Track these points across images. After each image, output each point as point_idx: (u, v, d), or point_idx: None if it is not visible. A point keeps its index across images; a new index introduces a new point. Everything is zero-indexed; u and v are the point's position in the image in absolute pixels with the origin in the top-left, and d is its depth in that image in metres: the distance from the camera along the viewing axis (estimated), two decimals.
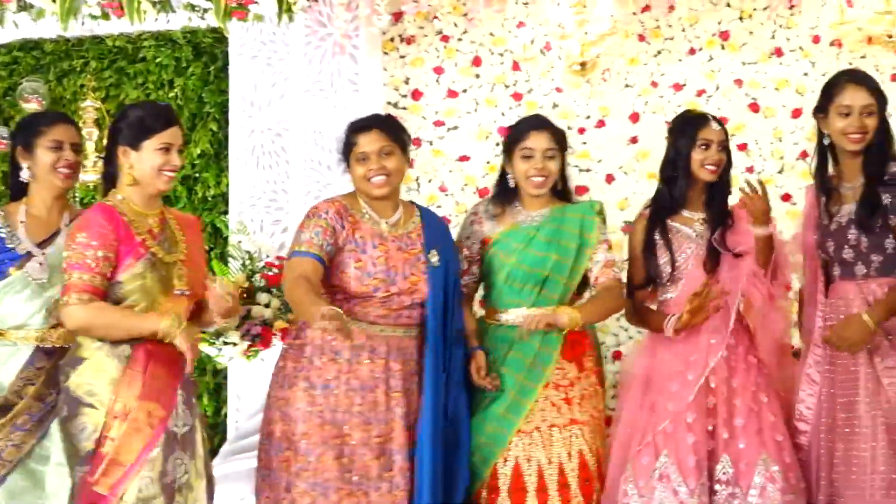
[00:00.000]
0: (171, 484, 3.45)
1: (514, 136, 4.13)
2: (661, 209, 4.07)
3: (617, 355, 5.64)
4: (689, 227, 4.03)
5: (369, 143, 3.84)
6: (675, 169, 4.04)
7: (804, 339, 4.04)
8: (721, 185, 4.06)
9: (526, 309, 4.02)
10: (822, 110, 3.92)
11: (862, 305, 3.79)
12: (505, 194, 4.15)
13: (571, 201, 4.19)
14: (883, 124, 3.85)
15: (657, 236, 4.03)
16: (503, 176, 4.16)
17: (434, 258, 3.84)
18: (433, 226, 3.96)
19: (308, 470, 3.69)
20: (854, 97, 3.82)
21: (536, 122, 4.18)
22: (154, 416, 3.45)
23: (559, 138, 4.13)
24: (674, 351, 3.97)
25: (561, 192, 4.19)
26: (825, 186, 3.96)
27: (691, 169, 4.00)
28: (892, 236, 3.79)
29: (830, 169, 4.00)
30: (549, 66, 5.90)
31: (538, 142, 4.06)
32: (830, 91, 3.90)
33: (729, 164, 4.07)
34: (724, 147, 4.03)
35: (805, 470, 3.86)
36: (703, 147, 3.98)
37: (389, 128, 3.91)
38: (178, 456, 3.49)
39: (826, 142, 3.92)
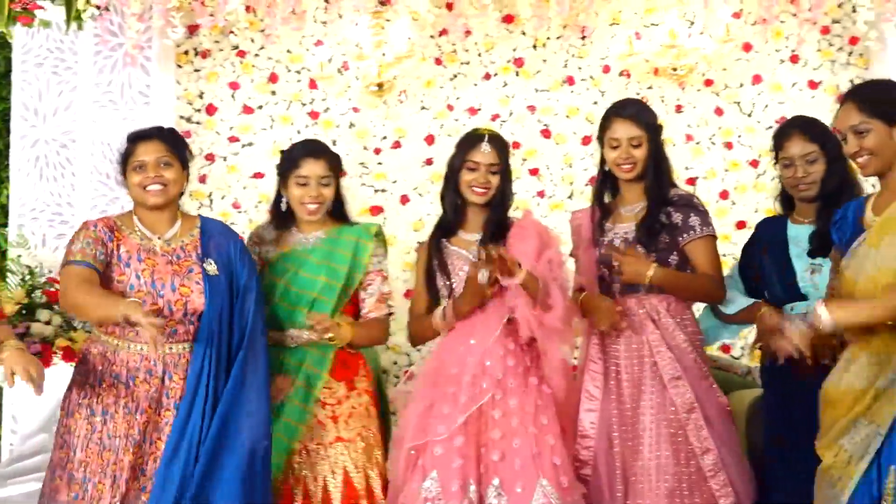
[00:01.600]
0: None
1: (288, 163, 4.08)
2: (440, 230, 4.09)
3: (409, 375, 5.64)
4: (467, 249, 4.05)
5: (147, 152, 3.74)
6: (447, 189, 4.07)
7: (581, 355, 4.12)
8: (498, 209, 4.08)
9: (296, 330, 3.99)
10: (600, 140, 4.07)
11: (645, 319, 3.91)
12: (281, 217, 4.10)
13: (349, 222, 4.16)
14: (656, 153, 3.99)
15: (434, 261, 4.05)
16: (278, 199, 4.13)
17: (211, 267, 3.69)
18: (214, 236, 3.79)
19: (84, 499, 3.55)
20: (621, 130, 3.96)
21: (312, 150, 4.12)
22: None
23: (334, 164, 4.09)
24: (448, 375, 3.97)
25: (339, 213, 4.17)
26: (603, 207, 4.09)
27: (461, 190, 4.04)
28: (676, 253, 3.94)
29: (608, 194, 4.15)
30: (346, 86, 5.89)
31: (313, 169, 4.02)
32: (604, 124, 4.05)
33: (504, 188, 4.08)
34: (496, 171, 4.04)
35: (594, 484, 3.93)
36: (471, 169, 4.01)
37: (170, 139, 3.82)
38: None
39: (607, 168, 4.05)
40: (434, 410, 3.90)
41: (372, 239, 4.07)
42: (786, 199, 4.13)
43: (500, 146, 4.05)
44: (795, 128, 4.02)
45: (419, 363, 5.61)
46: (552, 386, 3.94)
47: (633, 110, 4.03)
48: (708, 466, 3.80)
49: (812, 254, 3.90)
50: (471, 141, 4.05)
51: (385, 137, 5.94)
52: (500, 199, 4.04)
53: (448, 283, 4.01)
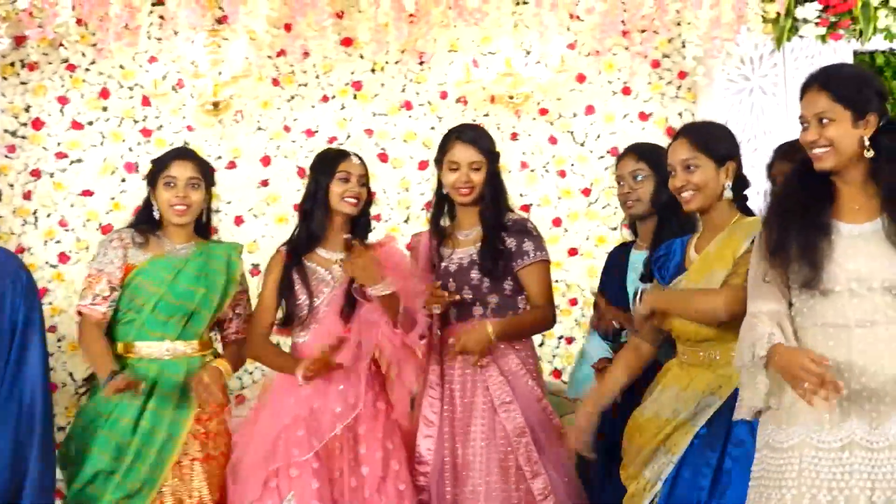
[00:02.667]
0: None
1: (158, 165, 4.04)
2: (300, 246, 4.06)
3: (240, 399, 5.56)
4: (327, 268, 4.02)
5: None
6: (314, 203, 4.04)
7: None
8: (362, 225, 4.10)
9: (170, 342, 3.92)
10: (438, 163, 4.08)
11: None
12: (148, 224, 4.03)
13: (208, 238, 4.15)
14: (493, 179, 4.04)
15: (295, 276, 4.01)
16: (147, 205, 4.04)
17: None
18: None
19: None
20: (461, 154, 3.99)
21: (180, 152, 4.16)
22: None
23: (203, 169, 4.07)
24: (299, 396, 3.94)
25: (203, 231, 4.13)
26: (440, 232, 4.11)
27: (330, 202, 4.01)
28: (511, 279, 3.97)
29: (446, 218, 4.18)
30: (180, 104, 5.78)
31: (181, 171, 3.98)
32: (444, 146, 4.07)
33: (370, 201, 4.12)
34: (364, 183, 4.07)
35: None
36: (343, 180, 4.01)
37: None
38: None
39: (444, 191, 4.07)
40: (288, 434, 3.85)
41: (240, 257, 4.09)
42: (633, 225, 4.19)
43: (363, 162, 4.11)
44: (629, 150, 4.13)
45: (252, 387, 5.55)
46: (398, 411, 3.96)
47: (474, 135, 4.08)
48: (538, 490, 3.85)
49: (642, 279, 3.98)
50: (339, 155, 4.08)
51: (220, 157, 5.85)
52: (366, 216, 4.07)
53: (310, 301, 3.97)
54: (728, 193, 3.42)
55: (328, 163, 4.04)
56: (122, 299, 3.95)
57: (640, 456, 3.42)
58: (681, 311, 3.39)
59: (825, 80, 2.99)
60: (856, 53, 5.77)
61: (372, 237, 4.17)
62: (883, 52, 5.83)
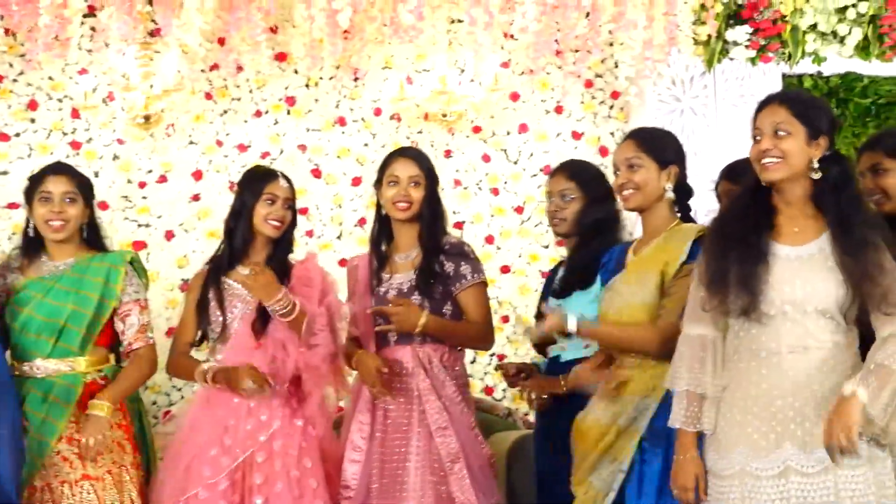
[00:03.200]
0: None
1: (33, 181, 3.96)
2: (220, 264, 4.03)
3: (167, 416, 5.49)
4: (244, 285, 3.99)
5: None
6: (237, 221, 4.01)
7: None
8: (283, 245, 4.07)
9: (41, 360, 3.83)
10: (378, 182, 4.07)
11: (417, 368, 3.91)
12: (31, 244, 3.94)
13: (105, 251, 4.02)
14: (432, 198, 4.03)
15: (211, 293, 3.98)
16: (27, 225, 3.97)
17: None
18: None
19: None
20: (402, 168, 3.99)
21: (55, 167, 4.04)
22: None
23: (80, 183, 3.97)
24: (215, 416, 3.89)
25: (95, 242, 4.02)
26: (380, 255, 4.08)
27: (254, 223, 3.99)
28: (450, 303, 3.95)
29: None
30: (110, 117, 5.72)
31: (56, 185, 3.90)
32: (384, 165, 4.07)
33: (293, 223, 4.09)
34: (290, 206, 4.05)
35: None
36: (269, 202, 3.99)
37: None
38: None
39: (384, 212, 4.05)
40: (201, 453, 3.80)
41: (124, 265, 3.94)
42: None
43: (291, 184, 4.08)
44: (562, 167, 4.14)
45: (180, 403, 5.48)
46: (316, 428, 3.91)
47: (415, 153, 4.13)
48: None
49: (555, 294, 3.99)
50: (267, 175, 4.05)
51: (151, 171, 5.79)
52: (288, 237, 4.04)
53: (222, 319, 3.93)
54: (669, 195, 3.46)
55: (255, 182, 4.02)
56: (6, 323, 3.87)
57: (585, 462, 3.43)
58: (613, 344, 3.42)
59: (785, 98, 3.09)
60: (784, 76, 5.88)
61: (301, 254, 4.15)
62: (811, 75, 5.94)
